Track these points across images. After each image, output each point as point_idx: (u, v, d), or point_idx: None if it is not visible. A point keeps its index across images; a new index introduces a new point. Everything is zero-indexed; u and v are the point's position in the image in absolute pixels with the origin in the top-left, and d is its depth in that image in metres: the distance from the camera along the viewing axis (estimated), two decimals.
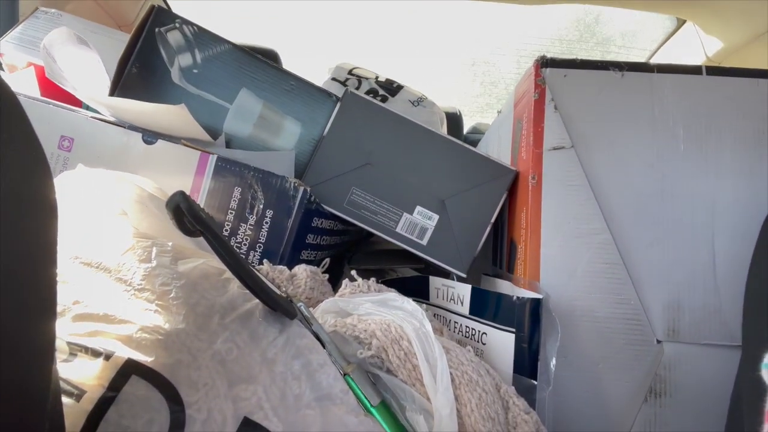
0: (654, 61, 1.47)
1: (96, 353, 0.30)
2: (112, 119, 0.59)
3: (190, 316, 0.32)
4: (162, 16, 0.63)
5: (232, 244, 0.57)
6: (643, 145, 0.56)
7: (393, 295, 0.44)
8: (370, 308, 0.44)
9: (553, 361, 0.48)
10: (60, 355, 0.30)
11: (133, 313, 0.32)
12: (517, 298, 0.50)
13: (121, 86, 0.62)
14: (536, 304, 0.49)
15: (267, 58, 1.25)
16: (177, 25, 0.63)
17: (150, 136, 0.58)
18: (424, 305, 0.61)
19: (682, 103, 0.57)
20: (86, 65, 0.64)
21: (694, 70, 0.58)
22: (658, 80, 0.58)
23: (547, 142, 0.57)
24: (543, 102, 0.58)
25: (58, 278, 0.35)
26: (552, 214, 0.56)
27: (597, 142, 0.57)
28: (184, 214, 0.31)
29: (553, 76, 0.58)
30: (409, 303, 0.43)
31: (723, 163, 0.56)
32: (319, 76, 1.04)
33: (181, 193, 0.31)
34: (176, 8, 1.37)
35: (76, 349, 0.31)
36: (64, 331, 0.31)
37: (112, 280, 0.34)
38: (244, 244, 0.57)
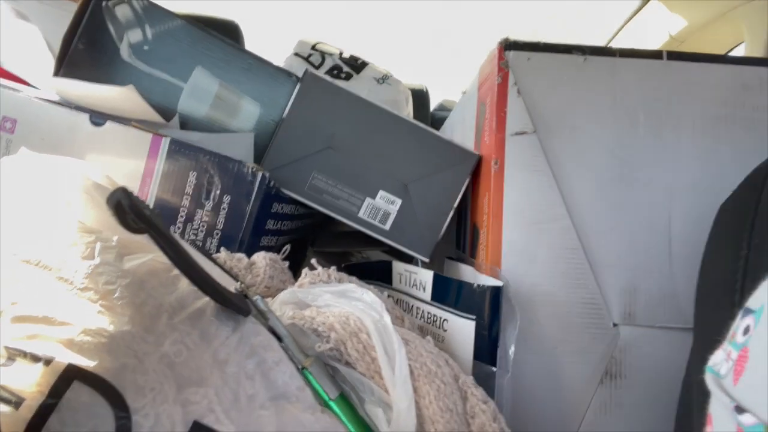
0: (621, 37, 1.48)
1: (35, 358, 0.29)
2: (57, 99, 0.56)
3: (136, 316, 0.31)
4: None
5: (188, 230, 0.56)
6: (604, 131, 0.56)
7: (352, 287, 0.44)
8: (330, 299, 0.43)
9: (512, 348, 0.48)
10: None
11: (76, 314, 0.31)
12: (478, 285, 0.50)
13: (66, 63, 0.59)
14: (496, 291, 0.49)
15: (226, 30, 1.21)
16: None
17: (98, 117, 0.55)
18: (387, 291, 0.61)
19: (643, 88, 0.57)
20: (26, 42, 0.60)
21: (655, 55, 0.58)
22: (620, 65, 0.58)
23: (510, 127, 0.57)
24: (506, 86, 0.57)
25: None
26: (514, 200, 0.56)
27: (559, 127, 0.56)
28: (126, 211, 0.29)
29: (517, 60, 0.57)
30: (368, 294, 0.42)
31: (681, 148, 0.56)
32: (286, 49, 1.01)
33: (122, 189, 0.29)
34: None
35: (14, 354, 0.29)
36: (1, 334, 0.30)
37: (54, 279, 0.32)
38: (201, 230, 0.56)
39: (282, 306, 0.43)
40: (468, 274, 0.59)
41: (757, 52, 1.03)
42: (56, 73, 0.58)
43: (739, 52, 1.21)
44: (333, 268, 0.50)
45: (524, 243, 0.55)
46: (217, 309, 0.34)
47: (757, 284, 0.34)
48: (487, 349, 0.49)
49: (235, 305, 0.33)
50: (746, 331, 0.30)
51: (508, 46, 0.57)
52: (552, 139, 0.56)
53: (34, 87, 0.56)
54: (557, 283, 0.55)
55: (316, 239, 0.78)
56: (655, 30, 1.35)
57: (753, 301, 0.31)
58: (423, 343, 0.42)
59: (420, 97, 1.37)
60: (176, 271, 0.34)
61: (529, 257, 0.55)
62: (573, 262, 0.55)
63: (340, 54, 0.99)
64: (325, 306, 0.43)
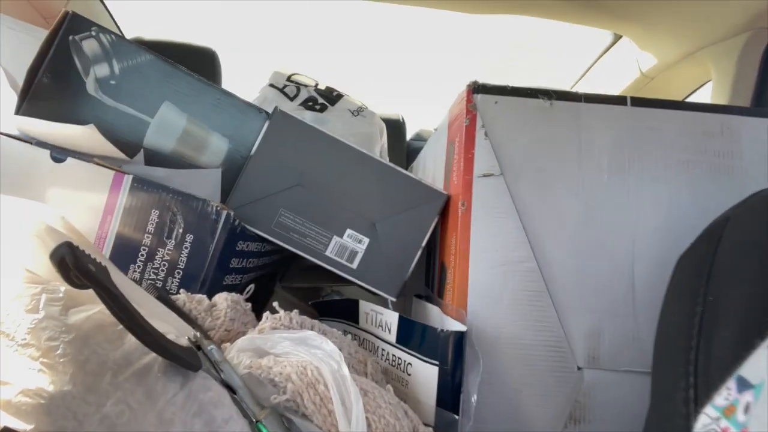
0: (589, 76, 1.51)
1: None
2: (17, 134, 0.55)
3: (78, 375, 0.30)
4: (77, 23, 0.58)
5: (148, 268, 0.55)
6: (569, 174, 0.57)
7: (312, 334, 0.43)
8: (288, 347, 0.42)
9: (475, 396, 0.48)
10: None
11: (15, 372, 0.29)
12: (441, 330, 0.50)
13: (30, 96, 0.58)
14: (460, 337, 0.49)
15: (204, 59, 1.21)
16: (93, 33, 0.59)
17: (59, 153, 0.54)
18: (352, 330, 0.60)
19: (608, 133, 0.58)
20: None
21: (619, 101, 0.59)
22: (585, 109, 0.59)
23: (477, 169, 0.57)
24: (474, 128, 0.58)
25: None
26: (480, 242, 0.56)
27: (525, 170, 0.57)
28: (70, 268, 0.28)
29: (485, 102, 0.58)
30: (327, 344, 0.41)
31: (644, 193, 0.57)
32: (264, 74, 1.01)
33: (67, 245, 0.29)
34: (113, 5, 1.30)
35: None
36: None
37: None
38: (162, 270, 0.55)
39: (239, 353, 0.42)
40: (434, 314, 0.58)
41: (724, 92, 1.06)
42: (20, 106, 0.57)
43: (707, 90, 1.25)
44: (295, 311, 0.49)
45: (490, 285, 0.55)
46: (165, 364, 0.33)
47: (711, 344, 0.34)
48: (449, 395, 0.49)
49: (184, 361, 0.32)
50: (746, 409, 0.29)
51: (476, 88, 0.58)
52: (518, 181, 0.57)
53: None
54: (522, 325, 0.55)
55: (284, 274, 0.77)
56: (626, 66, 1.38)
57: (751, 373, 0.30)
58: (382, 393, 0.41)
59: (396, 127, 1.38)
60: None
61: (494, 299, 0.55)
62: (538, 304, 0.55)
63: (316, 85, 0.99)
64: (283, 354, 0.42)
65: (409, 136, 1.50)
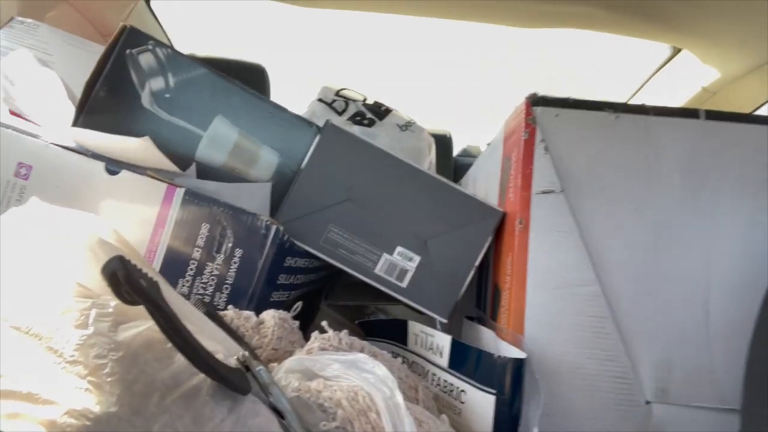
0: (647, 90, 1.45)
1: None
2: (74, 146, 0.55)
3: (125, 396, 0.29)
4: (134, 37, 0.59)
5: (197, 283, 0.54)
6: (636, 192, 0.53)
7: (363, 357, 0.41)
8: (338, 370, 0.40)
9: (535, 430, 0.44)
10: None
11: (62, 391, 0.28)
12: (499, 356, 0.47)
13: (87, 110, 0.59)
14: (519, 364, 0.46)
15: (253, 74, 1.22)
16: (150, 47, 0.59)
17: (113, 165, 0.54)
18: (401, 353, 0.58)
19: (679, 148, 0.54)
20: (48, 90, 0.60)
21: (691, 114, 0.55)
22: (654, 123, 0.55)
23: (536, 185, 0.54)
24: (533, 142, 0.55)
25: None
26: (538, 262, 0.53)
27: (588, 186, 0.54)
28: (121, 282, 0.27)
29: (545, 115, 0.55)
30: (379, 368, 0.39)
31: (721, 213, 0.53)
32: (311, 92, 1.01)
33: (119, 259, 0.28)
34: (166, 24, 1.33)
35: None
36: None
37: (43, 350, 0.30)
38: (210, 285, 0.54)
39: (287, 375, 0.41)
40: (488, 338, 0.55)
41: None
42: (76, 119, 0.58)
43: None
44: (345, 332, 0.47)
45: (549, 309, 0.52)
46: (214, 386, 0.31)
47: None
48: (507, 427, 0.46)
49: (234, 384, 0.31)
50: None
51: (535, 101, 0.55)
52: (581, 198, 0.53)
53: (50, 133, 0.56)
54: (584, 354, 0.51)
55: (330, 291, 0.76)
56: (685, 81, 1.32)
57: None
58: (438, 424, 0.38)
59: (443, 144, 1.35)
60: None
61: (553, 325, 0.52)
62: (602, 331, 0.51)
63: (364, 100, 0.98)
64: (333, 377, 0.40)
65: (455, 152, 1.48)
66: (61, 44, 0.88)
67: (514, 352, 0.48)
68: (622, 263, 0.52)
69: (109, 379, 0.29)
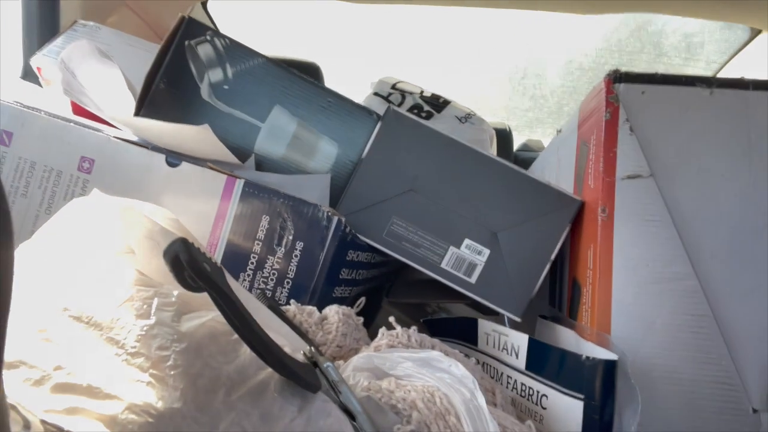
0: (723, 74, 1.35)
1: None
2: (135, 139, 0.54)
3: (189, 391, 0.26)
4: (192, 28, 0.58)
5: (258, 278, 0.52)
6: (737, 174, 0.48)
7: (438, 354, 0.37)
8: (411, 369, 0.37)
9: None
10: None
11: (123, 385, 0.26)
12: (587, 357, 0.42)
13: (148, 103, 0.58)
14: (611, 366, 0.41)
15: (308, 72, 1.21)
16: (208, 37, 0.58)
17: (174, 157, 0.53)
18: (473, 356, 0.54)
19: None
20: (108, 81, 0.60)
21: None
22: (755, 99, 0.49)
23: (621, 170, 0.49)
24: (616, 123, 0.50)
25: (42, 335, 0.30)
26: (626, 255, 0.48)
27: (681, 170, 0.48)
28: (184, 267, 0.25)
29: (629, 93, 0.50)
30: (457, 367, 0.36)
31: None
32: (362, 90, 0.99)
33: (182, 241, 0.25)
34: (221, 26, 1.34)
35: (50, 430, 0.25)
36: (41, 404, 0.26)
37: (103, 341, 0.28)
38: (272, 279, 0.52)
39: (356, 373, 0.38)
40: (568, 338, 0.50)
41: None
42: (137, 112, 0.58)
43: None
44: (414, 328, 0.44)
45: (639, 306, 0.47)
46: (281, 382, 0.29)
47: None
48: None
49: (304, 380, 0.28)
50: None
51: (617, 78, 0.51)
52: (673, 183, 0.48)
53: (112, 126, 0.55)
54: (681, 356, 0.46)
55: (391, 288, 0.73)
56: (765, 66, 1.22)
57: None
58: (523, 430, 0.34)
59: (503, 137, 1.30)
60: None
61: (645, 324, 0.47)
62: (701, 332, 0.46)
63: (421, 93, 0.95)
64: (405, 376, 0.37)
65: (514, 147, 1.42)
66: (122, 45, 0.89)
67: (603, 353, 0.43)
68: (722, 255, 0.47)
69: (172, 373, 0.27)
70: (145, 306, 0.30)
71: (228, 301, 0.26)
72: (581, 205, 0.54)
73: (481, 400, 0.33)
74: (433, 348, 0.43)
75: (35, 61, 0.75)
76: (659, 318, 0.46)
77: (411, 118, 0.57)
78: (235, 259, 0.52)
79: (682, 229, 0.47)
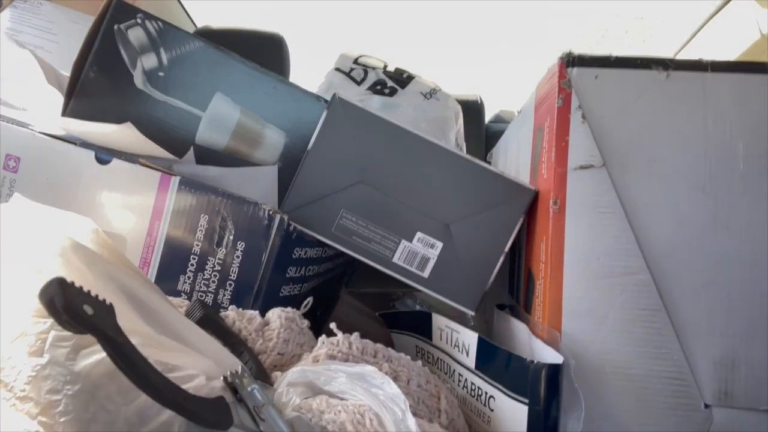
0: (697, 42, 1.32)
1: None
2: (62, 134, 0.51)
3: None
4: (121, 11, 0.54)
5: (198, 280, 0.50)
6: (693, 164, 0.46)
7: (372, 370, 0.36)
8: (344, 384, 0.35)
9: None
10: None
11: None
12: (532, 362, 0.41)
13: (77, 93, 0.54)
14: (555, 371, 0.40)
15: (270, 45, 1.16)
16: (138, 20, 0.54)
17: (104, 154, 0.50)
18: (423, 351, 0.53)
19: (744, 110, 0.46)
20: (28, 72, 0.56)
21: (759, 69, 0.47)
22: (713, 81, 0.47)
23: (573, 160, 0.47)
24: (568, 110, 0.47)
25: None
26: (578, 248, 0.46)
27: (635, 159, 0.46)
28: (59, 311, 0.23)
29: (582, 78, 0.48)
30: (389, 385, 0.34)
31: None
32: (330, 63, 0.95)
33: (57, 282, 0.23)
34: None
35: None
36: None
37: None
38: (213, 281, 0.49)
39: (288, 389, 0.36)
40: (521, 334, 0.49)
41: None
42: (66, 104, 0.54)
43: None
44: (356, 335, 0.42)
45: (591, 301, 0.46)
46: (188, 422, 0.27)
47: None
48: None
49: (208, 420, 0.26)
50: None
51: (570, 61, 0.48)
52: (626, 173, 0.46)
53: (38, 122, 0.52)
54: (633, 352, 0.45)
55: (351, 277, 0.71)
56: (741, 30, 1.18)
57: None
58: None
59: (473, 110, 1.27)
60: None
61: (596, 319, 0.45)
62: (653, 326, 0.45)
63: (385, 67, 0.91)
64: (339, 392, 0.35)
65: (487, 118, 1.39)
66: (65, 23, 0.84)
67: (549, 355, 0.42)
68: (675, 248, 0.45)
69: (62, 420, 0.25)
70: (38, 342, 0.27)
71: (112, 344, 0.24)
72: (535, 195, 0.52)
73: (411, 422, 0.32)
74: (375, 355, 0.42)
75: None
76: (611, 313, 0.45)
77: (357, 106, 0.54)
78: (175, 261, 0.50)
79: (635, 221, 0.45)
